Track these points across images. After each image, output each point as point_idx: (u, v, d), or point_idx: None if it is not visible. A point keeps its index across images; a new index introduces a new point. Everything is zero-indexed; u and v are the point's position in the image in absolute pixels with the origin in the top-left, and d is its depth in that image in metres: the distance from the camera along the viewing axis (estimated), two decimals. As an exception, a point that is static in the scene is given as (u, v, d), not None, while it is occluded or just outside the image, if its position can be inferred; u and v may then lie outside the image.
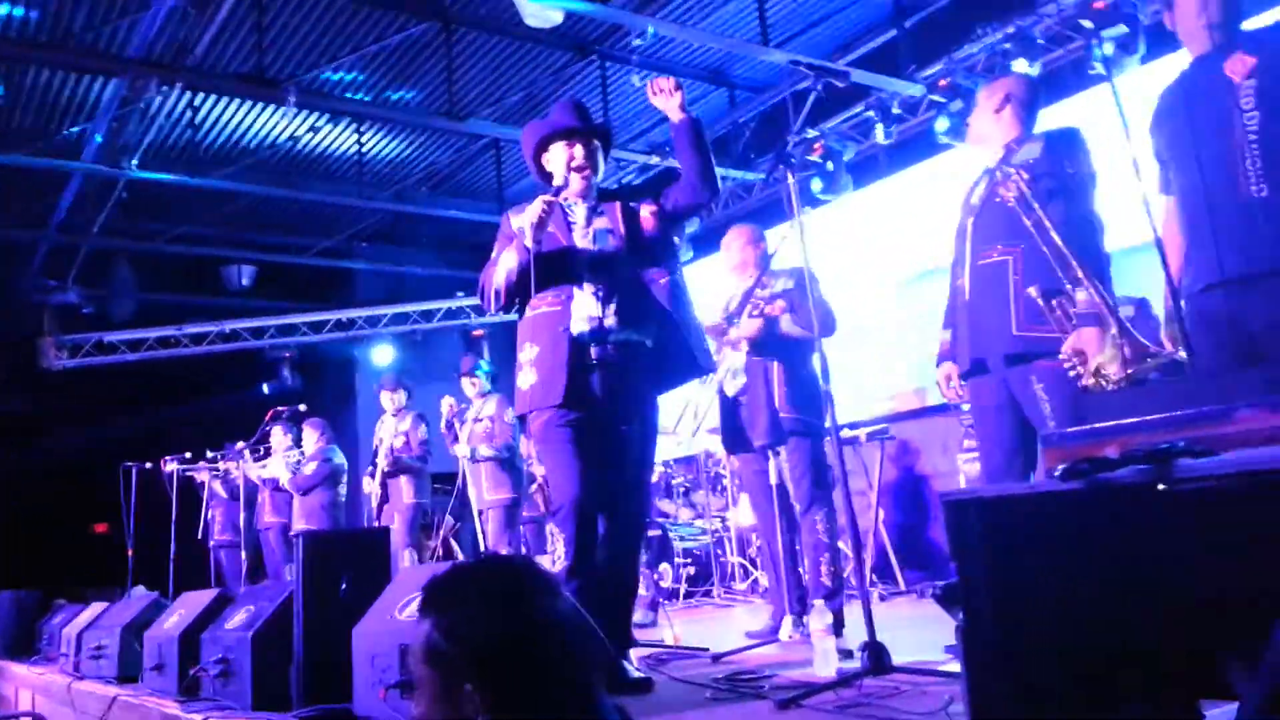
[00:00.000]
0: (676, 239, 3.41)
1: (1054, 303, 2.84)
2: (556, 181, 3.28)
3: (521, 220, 3.21)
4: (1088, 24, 6.18)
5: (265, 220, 10.39)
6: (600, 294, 3.17)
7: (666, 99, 3.21)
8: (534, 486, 6.43)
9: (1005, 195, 3.03)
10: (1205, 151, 2.62)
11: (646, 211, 3.27)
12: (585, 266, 3.20)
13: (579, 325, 3.15)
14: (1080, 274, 2.79)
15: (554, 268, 3.20)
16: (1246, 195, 2.52)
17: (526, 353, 3.23)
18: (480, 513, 6.48)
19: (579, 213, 3.30)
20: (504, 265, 3.27)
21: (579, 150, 3.27)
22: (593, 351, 3.14)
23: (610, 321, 3.16)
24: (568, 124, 3.32)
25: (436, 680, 1.44)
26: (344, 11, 6.95)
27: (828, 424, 3.13)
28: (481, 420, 6.47)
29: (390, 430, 7.07)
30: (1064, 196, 3.03)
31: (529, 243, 3.14)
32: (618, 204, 3.30)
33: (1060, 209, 2.99)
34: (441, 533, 7.52)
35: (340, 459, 7.91)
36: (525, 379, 3.22)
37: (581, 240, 3.25)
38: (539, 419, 3.18)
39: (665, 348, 3.24)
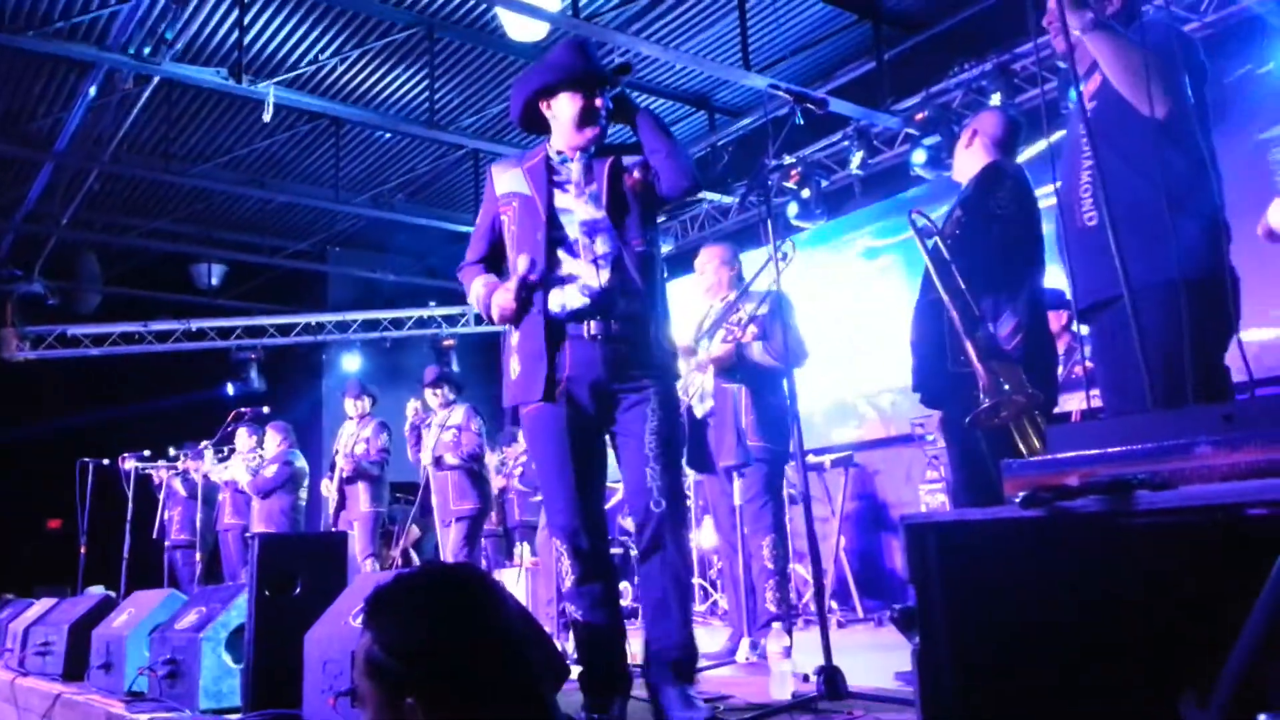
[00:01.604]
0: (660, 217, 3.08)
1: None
2: (560, 134, 2.87)
3: (511, 276, 2.79)
4: (1064, 65, 6.26)
5: (238, 219, 10.32)
6: (598, 262, 2.76)
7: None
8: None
9: (945, 232, 3.11)
10: (1063, 180, 2.63)
11: (637, 173, 2.86)
12: (580, 231, 2.79)
13: (574, 299, 2.74)
14: (975, 313, 2.87)
15: (539, 245, 2.77)
16: (1081, 224, 2.55)
17: (513, 336, 2.86)
18: (443, 523, 6.42)
19: (574, 170, 2.86)
20: (478, 300, 2.91)
21: (598, 103, 2.84)
22: (592, 327, 2.72)
23: (612, 293, 2.75)
24: (586, 68, 2.84)
25: (378, 693, 1.42)
26: (327, 13, 6.92)
27: (794, 449, 3.13)
28: (449, 429, 6.41)
29: (351, 436, 7.01)
30: (982, 233, 3.06)
31: (511, 305, 2.77)
32: (609, 161, 2.86)
33: (979, 244, 3.04)
34: (402, 543, 7.45)
35: (301, 463, 7.83)
36: (513, 366, 2.84)
37: (576, 202, 2.83)
38: (526, 409, 2.79)
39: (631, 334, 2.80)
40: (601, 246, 2.77)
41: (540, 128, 2.95)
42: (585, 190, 2.84)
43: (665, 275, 2.95)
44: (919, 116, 7.16)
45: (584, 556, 2.72)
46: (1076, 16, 2.42)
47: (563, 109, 2.84)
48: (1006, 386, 2.71)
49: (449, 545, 6.31)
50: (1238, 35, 6.00)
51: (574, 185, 2.85)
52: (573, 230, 2.79)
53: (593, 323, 2.72)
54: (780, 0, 7.08)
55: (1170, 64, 2.33)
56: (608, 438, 2.83)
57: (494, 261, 2.98)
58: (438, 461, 6.36)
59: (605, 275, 2.74)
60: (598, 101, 2.82)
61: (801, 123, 3.42)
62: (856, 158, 7.64)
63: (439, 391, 6.57)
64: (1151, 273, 2.27)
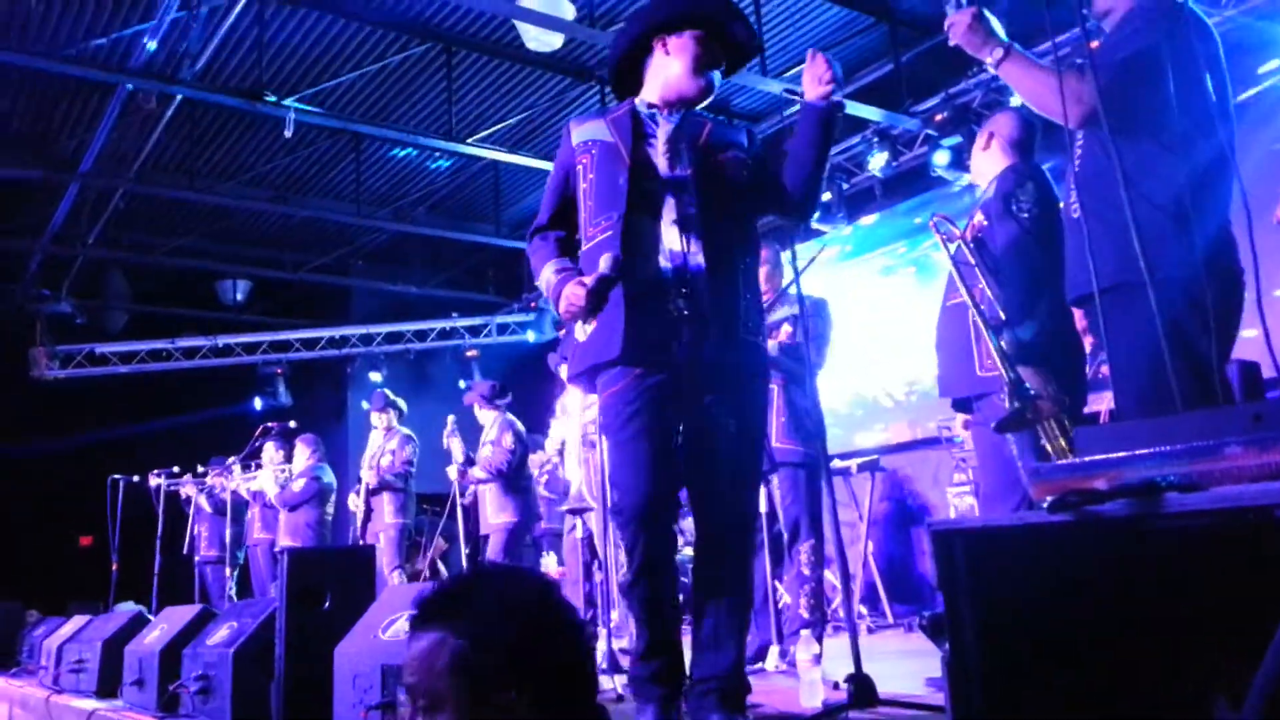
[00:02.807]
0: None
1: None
2: (663, 81, 2.61)
3: (566, 293, 2.50)
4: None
5: (261, 235, 10.40)
6: (683, 226, 2.48)
7: (816, 73, 2.55)
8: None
9: (967, 236, 3.10)
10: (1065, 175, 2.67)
11: (732, 156, 2.60)
12: (664, 189, 2.52)
13: (659, 261, 2.46)
14: (1000, 316, 2.87)
15: (620, 192, 2.50)
16: (1068, 215, 2.57)
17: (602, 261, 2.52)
18: (484, 536, 6.47)
19: (664, 127, 2.59)
20: (546, 286, 2.62)
21: (720, 57, 2.62)
22: (677, 298, 2.44)
23: (697, 260, 2.46)
24: (723, 13, 2.63)
25: (467, 693, 1.36)
26: (346, 30, 6.98)
27: (820, 453, 3.11)
28: (485, 443, 6.47)
29: (378, 449, 7.05)
30: (1005, 236, 3.06)
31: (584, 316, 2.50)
32: (708, 125, 2.62)
33: (1002, 247, 3.05)
34: (430, 555, 7.48)
35: (329, 477, 7.88)
36: (582, 329, 2.55)
37: (660, 157, 2.55)
38: (607, 388, 2.50)
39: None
40: (687, 207, 2.49)
41: (630, 84, 2.71)
42: (673, 145, 2.56)
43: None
44: (938, 118, 7.13)
45: (648, 530, 2.41)
46: (986, 54, 2.51)
47: (681, 49, 2.58)
48: (1031, 390, 2.69)
49: (489, 556, 6.35)
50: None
51: (661, 140, 2.57)
52: (655, 186, 2.51)
53: (677, 291, 2.44)
54: (795, 4, 7.07)
55: (1104, 71, 2.30)
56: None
57: (567, 221, 2.71)
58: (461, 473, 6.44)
59: (696, 244, 2.46)
60: (720, 55, 2.62)
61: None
62: (877, 159, 7.61)
63: (482, 407, 6.64)
64: (1122, 271, 2.26)
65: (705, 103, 2.65)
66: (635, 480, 2.42)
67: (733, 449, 2.48)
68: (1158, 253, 2.16)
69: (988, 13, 2.58)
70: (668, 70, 2.60)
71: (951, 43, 2.61)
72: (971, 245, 3.09)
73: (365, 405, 7.52)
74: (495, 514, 6.35)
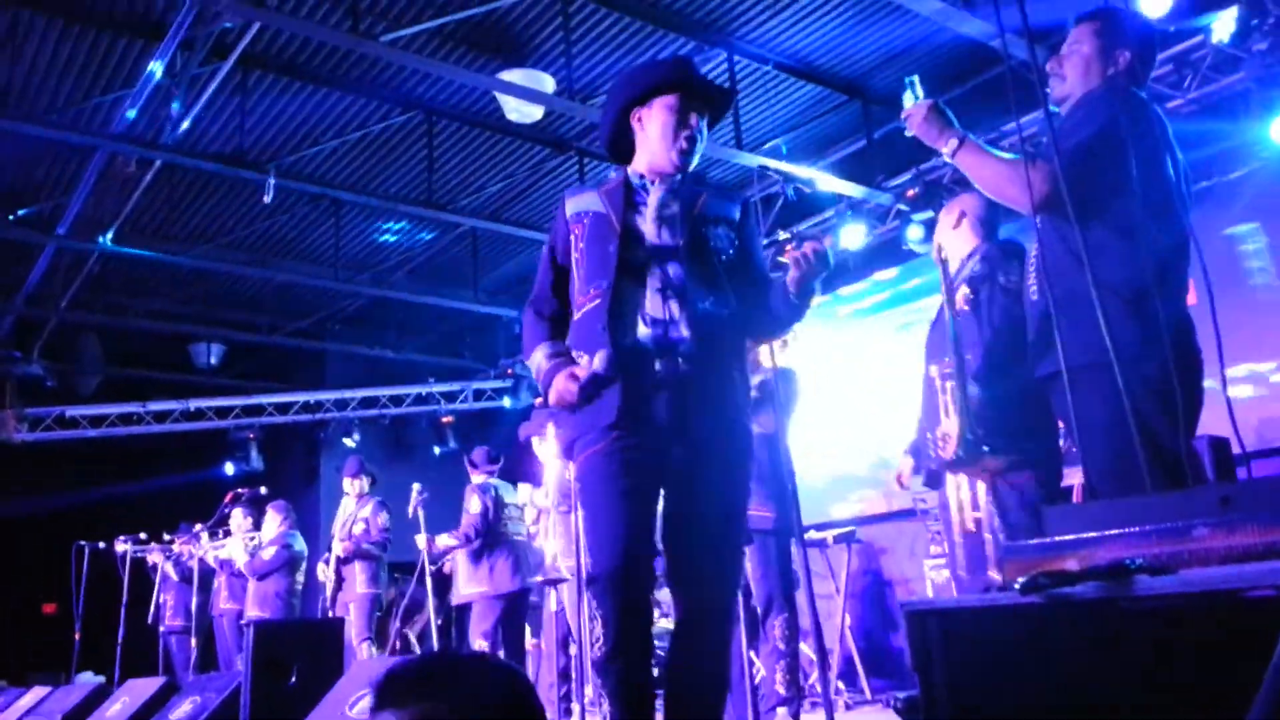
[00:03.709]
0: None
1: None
2: (646, 151, 2.67)
3: (559, 387, 2.51)
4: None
5: (238, 298, 10.38)
6: (667, 293, 2.50)
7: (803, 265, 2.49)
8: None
9: (958, 304, 3.17)
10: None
11: (723, 231, 2.62)
12: (651, 257, 2.54)
13: (639, 329, 2.48)
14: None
15: (609, 260, 2.54)
16: (1027, 298, 2.73)
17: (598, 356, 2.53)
18: (458, 606, 6.36)
19: (655, 194, 2.63)
20: (537, 371, 2.62)
21: (694, 119, 2.63)
22: (656, 365, 2.46)
23: (680, 329, 2.48)
24: (685, 75, 2.66)
25: None
26: (327, 99, 7.06)
27: (795, 520, 3.11)
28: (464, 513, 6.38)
29: (350, 516, 6.96)
30: (997, 306, 3.18)
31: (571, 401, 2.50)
32: (703, 195, 2.65)
33: (992, 318, 3.18)
34: (400, 626, 7.36)
35: (300, 545, 7.76)
36: (599, 361, 2.53)
37: (650, 225, 2.58)
38: (585, 449, 2.50)
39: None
40: (673, 275, 2.51)
41: (625, 153, 2.75)
42: (662, 214, 2.59)
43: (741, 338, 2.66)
44: (910, 193, 7.27)
45: (626, 598, 2.37)
46: (942, 144, 2.63)
47: (655, 119, 2.63)
48: (984, 447, 2.79)
49: (470, 626, 6.23)
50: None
51: (650, 209, 2.60)
52: (642, 255, 2.54)
53: (658, 360, 2.46)
54: (770, 81, 7.22)
55: (1065, 156, 2.39)
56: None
57: (561, 293, 2.72)
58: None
59: (678, 310, 2.48)
60: (692, 117, 2.62)
61: (794, 198, 3.46)
62: (852, 233, 7.72)
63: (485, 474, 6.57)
64: (1080, 354, 2.35)
65: (693, 164, 2.69)
66: (611, 539, 2.39)
67: (718, 531, 2.46)
68: (1114, 335, 2.22)
69: (942, 104, 2.67)
70: (647, 142, 2.66)
71: (908, 133, 2.72)
72: (960, 318, 3.16)
73: (338, 470, 7.43)
74: (465, 583, 6.25)
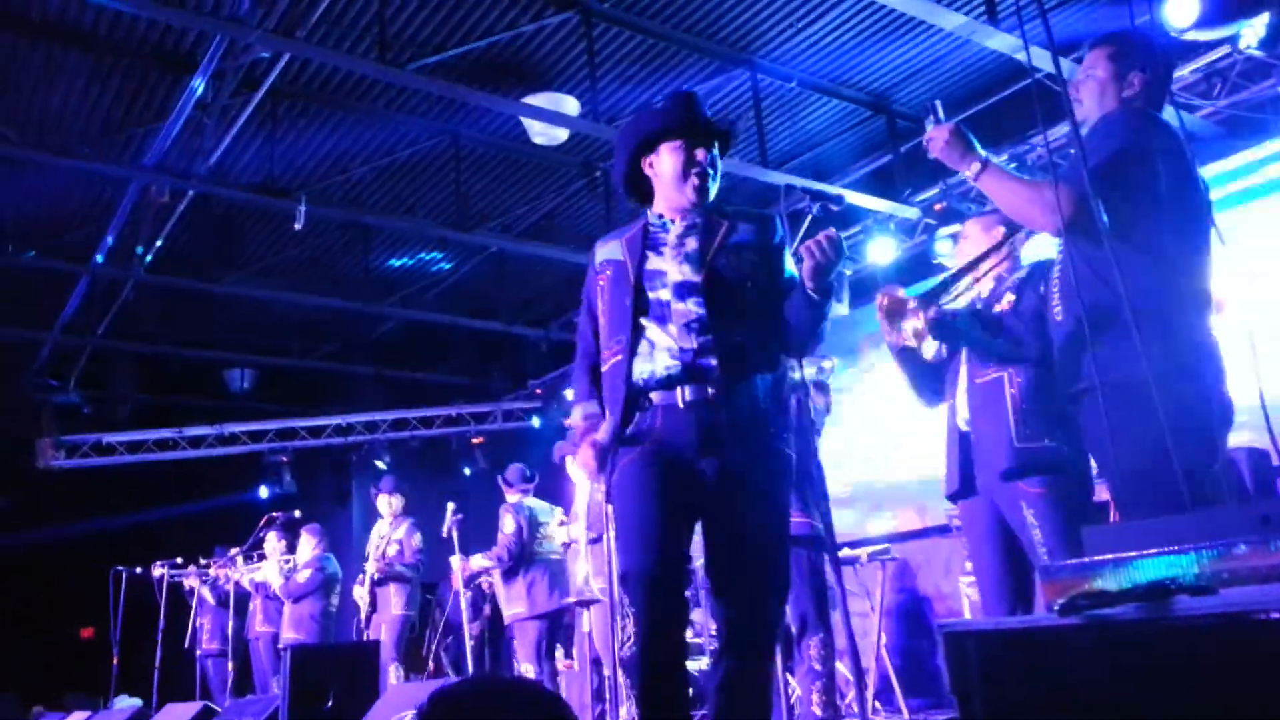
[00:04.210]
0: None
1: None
2: (662, 193, 2.73)
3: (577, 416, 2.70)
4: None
5: (269, 324, 10.48)
6: (692, 327, 2.54)
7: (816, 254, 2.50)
8: None
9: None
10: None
11: (747, 258, 2.63)
12: (674, 295, 2.58)
13: (667, 361, 2.52)
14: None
15: (626, 314, 2.61)
16: (1052, 319, 2.73)
17: (607, 419, 2.63)
18: (507, 625, 6.40)
19: (673, 231, 2.68)
20: (575, 424, 2.74)
21: (701, 155, 2.67)
22: (687, 393, 2.49)
23: (708, 359, 2.52)
24: (687, 117, 2.70)
25: None
26: (356, 126, 7.14)
27: (825, 528, 3.08)
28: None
29: (384, 538, 7.00)
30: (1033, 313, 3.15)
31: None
32: (724, 226, 2.67)
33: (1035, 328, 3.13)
34: (435, 647, 7.38)
35: (335, 568, 7.81)
36: (604, 431, 2.63)
37: (671, 264, 2.62)
38: (620, 460, 2.56)
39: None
40: (695, 309, 2.55)
41: (644, 194, 2.80)
42: (682, 250, 2.62)
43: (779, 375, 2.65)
44: (938, 207, 7.24)
45: (655, 597, 2.40)
46: (964, 167, 2.64)
47: (664, 164, 2.68)
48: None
49: (517, 647, 6.26)
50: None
51: (670, 247, 2.64)
52: (664, 294, 2.59)
53: (686, 389, 2.49)
54: (795, 97, 7.23)
55: (1079, 176, 2.39)
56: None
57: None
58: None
59: (706, 341, 2.51)
60: (699, 153, 2.66)
61: (821, 215, 3.46)
62: (881, 247, 7.70)
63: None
64: (1104, 372, 2.35)
65: (712, 194, 2.71)
66: (643, 537, 2.43)
67: (757, 559, 2.48)
68: (1129, 355, 2.23)
69: (963, 128, 2.67)
70: (662, 185, 2.72)
71: (930, 156, 2.72)
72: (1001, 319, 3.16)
73: (378, 491, 7.46)
74: (506, 605, 6.28)
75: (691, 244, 2.63)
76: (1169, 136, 2.56)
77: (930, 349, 3.26)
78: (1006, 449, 3.03)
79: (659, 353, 2.54)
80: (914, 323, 3.01)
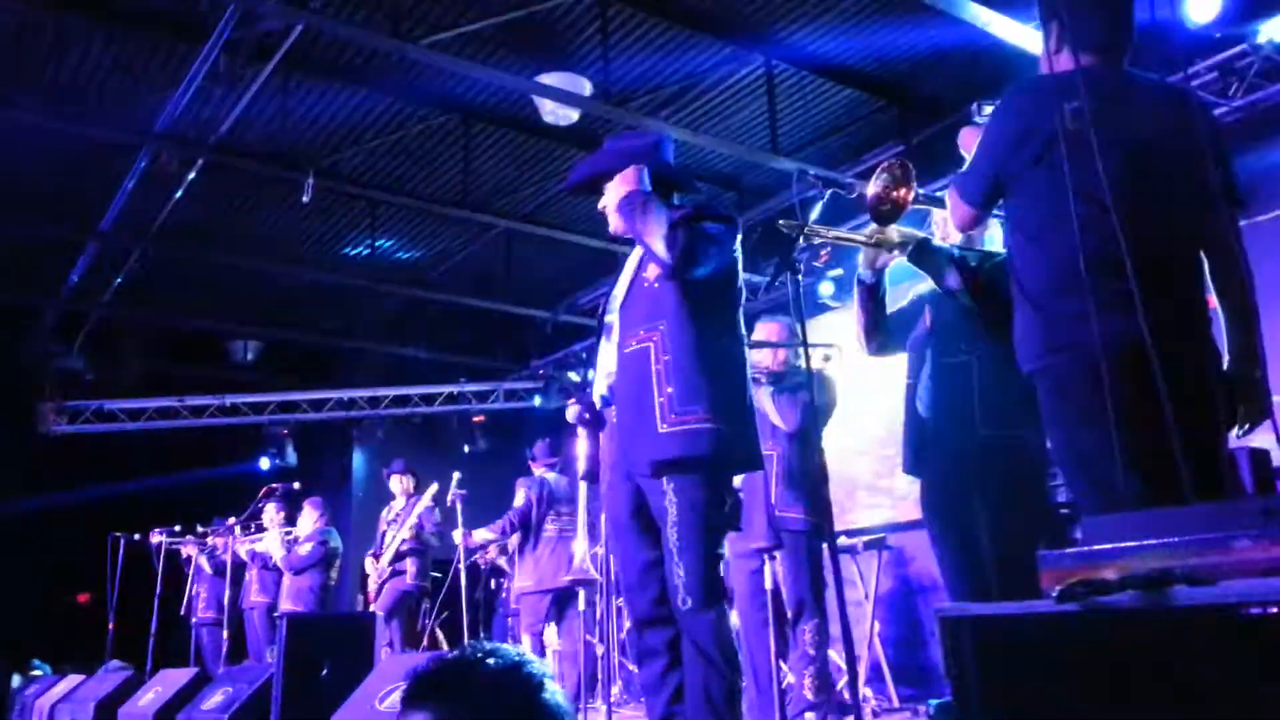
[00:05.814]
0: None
1: None
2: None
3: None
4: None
5: (275, 297, 10.48)
6: (621, 346, 2.78)
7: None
8: None
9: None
10: None
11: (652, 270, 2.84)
12: (618, 316, 2.83)
13: (603, 385, 2.83)
14: None
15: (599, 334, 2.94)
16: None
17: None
18: (515, 598, 6.47)
19: (634, 255, 2.92)
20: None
21: (600, 204, 2.94)
22: (613, 414, 2.76)
23: (622, 378, 2.78)
24: (576, 176, 3.04)
25: None
26: (366, 101, 7.12)
27: (825, 519, 3.08)
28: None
29: (402, 512, 7.05)
30: None
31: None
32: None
33: None
34: (432, 622, 7.41)
35: (336, 542, 7.84)
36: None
37: (620, 287, 2.89)
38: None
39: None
40: (621, 329, 2.78)
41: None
42: (632, 270, 2.86)
43: (715, 359, 2.72)
44: (948, 197, 7.22)
45: (629, 599, 2.79)
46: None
47: (605, 203, 2.92)
48: None
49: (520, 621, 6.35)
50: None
51: (629, 269, 2.90)
52: (613, 315, 2.85)
53: (613, 410, 2.76)
54: (808, 86, 7.20)
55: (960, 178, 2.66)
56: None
57: None
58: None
59: (617, 360, 2.76)
60: (600, 203, 2.90)
61: (830, 204, 3.46)
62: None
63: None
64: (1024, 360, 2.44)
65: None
66: (615, 548, 2.81)
67: (675, 540, 2.60)
68: (1032, 338, 2.36)
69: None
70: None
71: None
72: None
73: (386, 472, 7.52)
74: (516, 579, 6.34)
75: (635, 268, 2.91)
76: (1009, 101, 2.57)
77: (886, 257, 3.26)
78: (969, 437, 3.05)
79: (605, 374, 2.86)
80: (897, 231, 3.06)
